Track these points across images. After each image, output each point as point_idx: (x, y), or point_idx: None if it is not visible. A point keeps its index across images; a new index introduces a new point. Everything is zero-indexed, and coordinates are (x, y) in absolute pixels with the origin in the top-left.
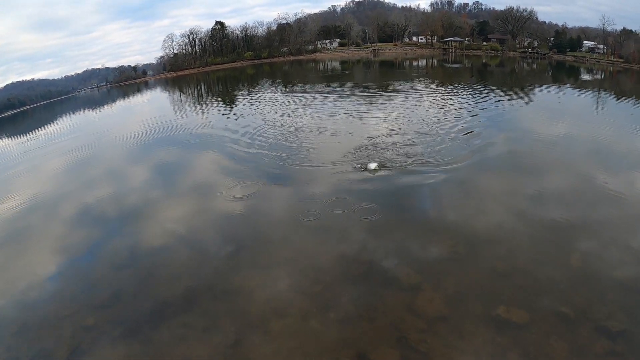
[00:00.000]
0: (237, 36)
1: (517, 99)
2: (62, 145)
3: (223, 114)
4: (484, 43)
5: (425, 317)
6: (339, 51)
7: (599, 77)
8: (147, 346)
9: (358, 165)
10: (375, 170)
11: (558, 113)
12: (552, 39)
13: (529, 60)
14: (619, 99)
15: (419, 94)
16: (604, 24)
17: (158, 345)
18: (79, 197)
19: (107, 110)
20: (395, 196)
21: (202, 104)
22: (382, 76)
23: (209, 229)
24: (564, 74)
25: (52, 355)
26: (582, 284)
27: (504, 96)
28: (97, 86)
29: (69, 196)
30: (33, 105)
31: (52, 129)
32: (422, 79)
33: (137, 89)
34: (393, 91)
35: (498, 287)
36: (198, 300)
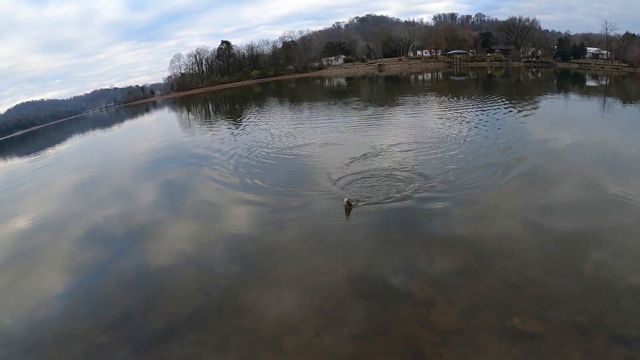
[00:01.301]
0: (243, 55)
1: (522, 109)
2: (70, 164)
3: (230, 132)
4: (488, 54)
5: (439, 330)
6: (345, 67)
7: (604, 82)
8: None
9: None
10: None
11: (564, 121)
12: (555, 47)
13: (534, 70)
14: (625, 104)
15: (425, 108)
16: (606, 30)
17: None
18: (87, 216)
19: (116, 129)
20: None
21: (209, 123)
22: (388, 91)
23: (216, 246)
24: (569, 81)
25: None
26: (596, 292)
27: (509, 106)
28: (106, 106)
29: (77, 215)
30: (42, 126)
31: (61, 148)
32: (428, 93)
33: (146, 108)
34: (399, 105)
35: (511, 298)
36: (209, 318)
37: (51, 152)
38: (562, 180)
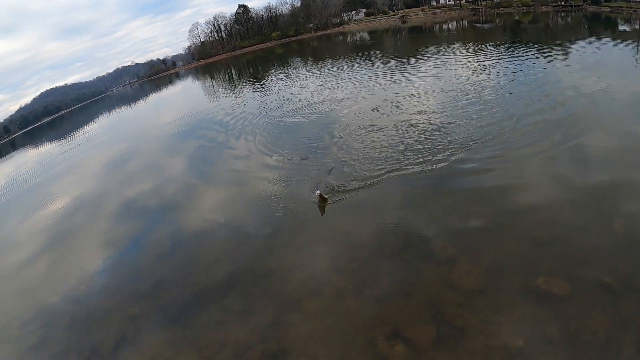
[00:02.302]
0: (262, 17)
1: (554, 55)
2: (99, 143)
3: (254, 96)
4: None
5: (461, 291)
6: (366, 21)
7: (637, 27)
8: (188, 331)
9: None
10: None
11: (597, 67)
12: None
13: (563, 14)
14: None
15: (453, 59)
16: None
17: (198, 329)
18: (120, 192)
19: (141, 104)
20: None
21: (233, 88)
22: (413, 43)
23: (243, 214)
24: (600, 26)
25: (100, 346)
26: (626, 251)
27: (540, 54)
28: (129, 83)
29: (110, 192)
30: (69, 109)
31: (89, 129)
32: (455, 43)
33: (169, 80)
34: (425, 56)
35: (537, 257)
36: (236, 284)
37: (80, 134)
38: (593, 129)
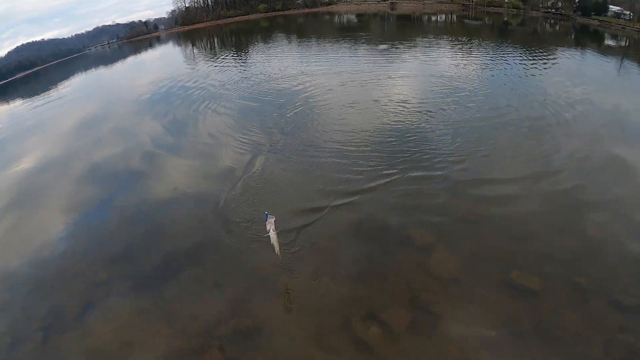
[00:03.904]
0: None
1: (539, 61)
2: (73, 103)
3: (234, 66)
4: (506, 0)
5: (438, 278)
6: (356, 4)
7: (623, 44)
8: (159, 301)
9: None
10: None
11: (578, 78)
12: (576, 0)
13: (552, 21)
14: None
15: (438, 52)
16: None
17: (169, 299)
18: (89, 154)
19: (119, 66)
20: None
21: (213, 57)
22: (401, 30)
23: (214, 181)
24: (587, 38)
25: (65, 311)
26: (598, 255)
27: (524, 58)
28: (109, 43)
29: (79, 154)
30: (44, 66)
31: (62, 87)
32: (442, 36)
33: (149, 44)
34: (413, 46)
35: (513, 251)
36: (207, 256)
37: (53, 92)
38: (572, 138)
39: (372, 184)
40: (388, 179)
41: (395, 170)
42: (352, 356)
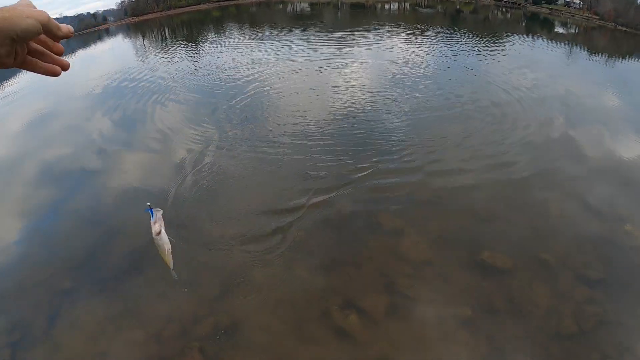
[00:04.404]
0: None
1: (489, 47)
2: (17, 101)
3: (185, 57)
4: None
5: (410, 261)
6: None
7: (572, 31)
8: (130, 304)
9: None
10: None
11: (531, 65)
12: None
13: (504, 9)
14: (590, 55)
15: (391, 38)
16: None
17: (140, 303)
18: (37, 154)
19: (68, 61)
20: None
21: (164, 48)
22: (353, 18)
23: (170, 177)
24: (537, 25)
25: (31, 325)
26: (561, 232)
27: (475, 43)
28: None
29: (27, 154)
30: None
31: (7, 84)
32: (395, 23)
33: (98, 37)
34: (366, 33)
35: (480, 232)
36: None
37: None
38: (530, 123)
39: (336, 182)
40: (359, 174)
41: (364, 164)
42: (334, 345)
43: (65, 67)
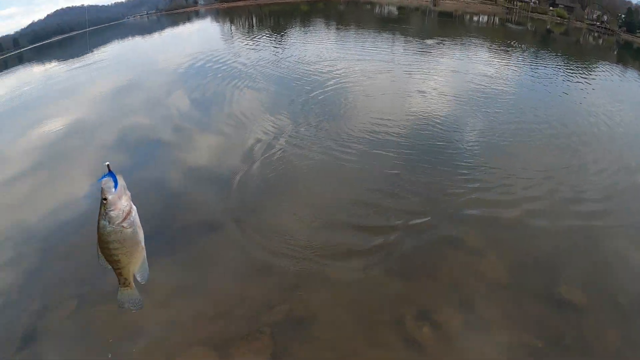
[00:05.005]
0: None
1: (578, 74)
2: (108, 69)
3: (270, 47)
4: (551, 8)
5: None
6: None
7: None
8: (202, 277)
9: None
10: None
11: (618, 96)
12: (623, 16)
13: (596, 34)
14: None
15: (475, 53)
16: None
17: (212, 278)
18: (118, 122)
19: (156, 37)
20: None
21: (251, 37)
22: (442, 28)
23: (239, 165)
24: (631, 55)
25: (100, 281)
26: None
27: (574, 70)
28: (147, 13)
29: (108, 121)
30: (82, 31)
31: (98, 52)
32: (483, 36)
33: (187, 18)
34: (453, 44)
35: (560, 264)
36: (227, 224)
37: (88, 57)
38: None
39: (427, 206)
40: (453, 198)
41: (459, 190)
42: (403, 355)
43: None
